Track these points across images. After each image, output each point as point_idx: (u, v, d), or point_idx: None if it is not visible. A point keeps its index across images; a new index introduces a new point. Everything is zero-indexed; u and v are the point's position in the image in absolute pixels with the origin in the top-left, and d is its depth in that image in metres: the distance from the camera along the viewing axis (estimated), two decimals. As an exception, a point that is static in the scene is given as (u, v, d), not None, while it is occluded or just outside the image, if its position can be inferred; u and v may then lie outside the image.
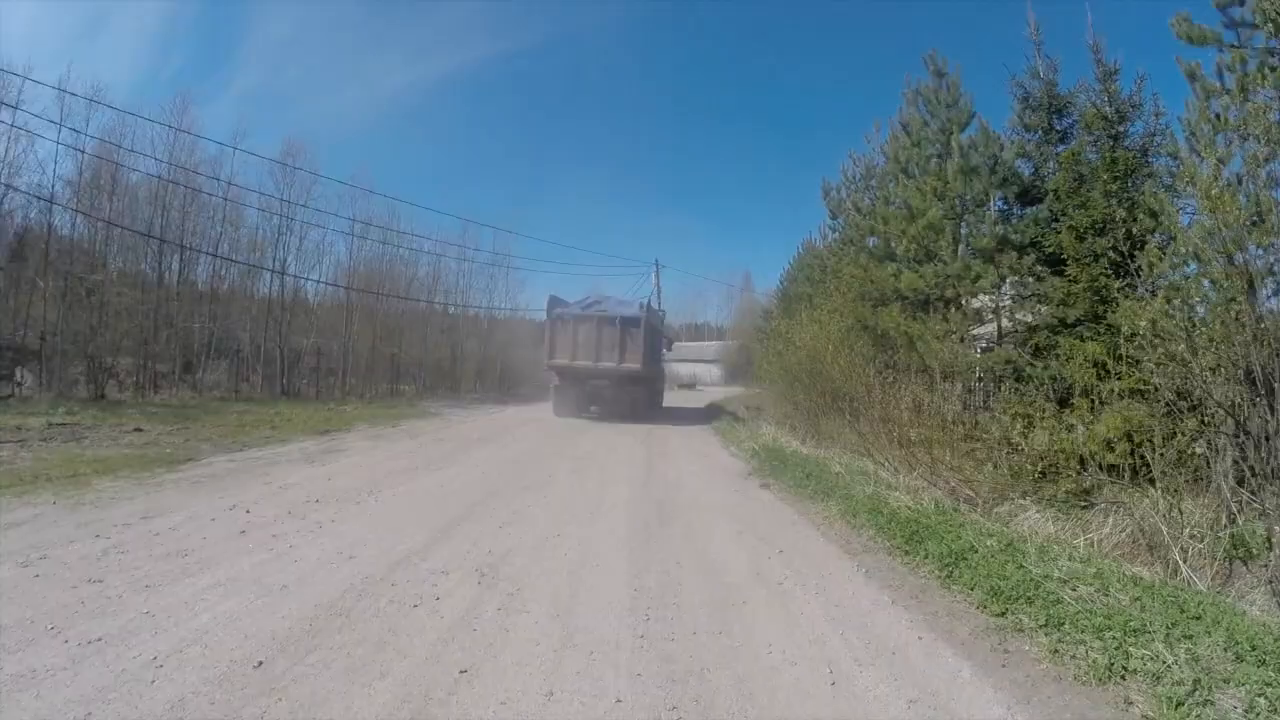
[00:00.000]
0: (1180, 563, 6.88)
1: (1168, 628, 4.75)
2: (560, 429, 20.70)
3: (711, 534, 8.09)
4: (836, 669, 4.46)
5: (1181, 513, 7.93)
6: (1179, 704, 3.96)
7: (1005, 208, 15.48)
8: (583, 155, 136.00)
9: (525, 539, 7.51)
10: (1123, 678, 4.29)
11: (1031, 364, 12.63)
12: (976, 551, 6.50)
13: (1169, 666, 4.29)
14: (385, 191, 49.84)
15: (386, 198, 34.88)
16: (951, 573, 6.20)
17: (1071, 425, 10.89)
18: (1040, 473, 10.05)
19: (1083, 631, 4.81)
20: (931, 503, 8.70)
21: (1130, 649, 4.51)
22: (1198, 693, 4.03)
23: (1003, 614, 5.31)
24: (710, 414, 27.74)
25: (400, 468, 11.77)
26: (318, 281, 32.18)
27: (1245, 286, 8.31)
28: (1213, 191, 8.45)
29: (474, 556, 6.72)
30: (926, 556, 6.70)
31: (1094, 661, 4.44)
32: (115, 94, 33.36)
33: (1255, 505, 7.81)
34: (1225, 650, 4.45)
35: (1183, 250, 10.01)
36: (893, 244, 16.39)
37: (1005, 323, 14.50)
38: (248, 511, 7.93)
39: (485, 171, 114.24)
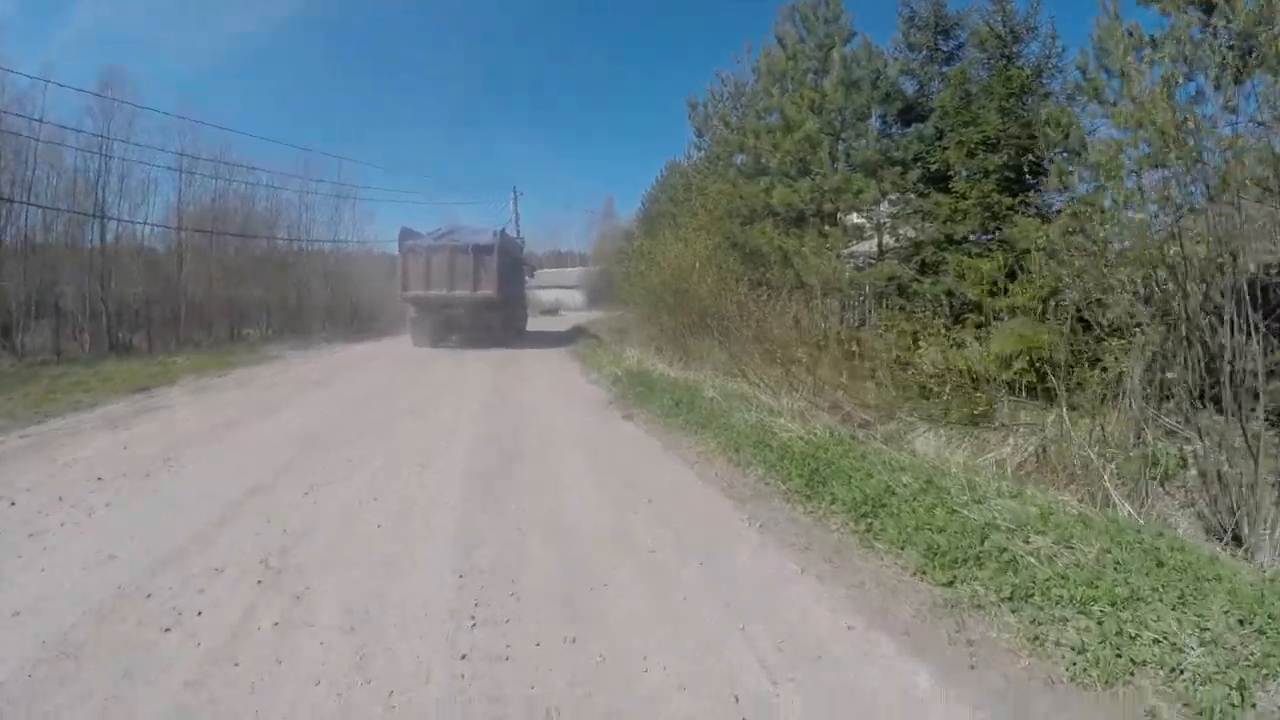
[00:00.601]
0: (1111, 490, 5.80)
1: (1157, 591, 3.55)
2: (414, 362, 18.77)
3: (566, 483, 6.51)
4: (743, 691, 3.02)
5: (1105, 433, 6.94)
6: (1214, 713, 2.78)
7: (884, 126, 14.54)
8: (439, 88, 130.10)
9: (334, 506, 5.84)
10: (1131, 674, 3.04)
11: (918, 280, 11.61)
12: (895, 494, 5.13)
13: (1182, 652, 3.09)
14: (217, 122, 44.30)
15: (219, 129, 30.89)
16: (871, 525, 4.79)
17: (962, 341, 9.91)
18: (931, 390, 9.11)
19: (1059, 604, 3.55)
20: (826, 431, 7.32)
21: (1128, 629, 3.28)
22: (1234, 693, 2.85)
23: (951, 584, 3.95)
24: (572, 338, 26.12)
25: (217, 423, 9.77)
26: (143, 224, 27.32)
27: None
28: (1157, 93, 7.43)
29: (263, 540, 5.03)
30: (834, 502, 5.29)
31: (1091, 653, 3.16)
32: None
33: (1161, 423, 7.06)
34: (1241, 624, 3.28)
35: (1102, 161, 9.10)
36: (764, 160, 15.12)
37: (887, 239, 13.42)
38: (13, 504, 6.03)
39: (333, 109, 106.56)
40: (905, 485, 5.26)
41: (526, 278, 31.12)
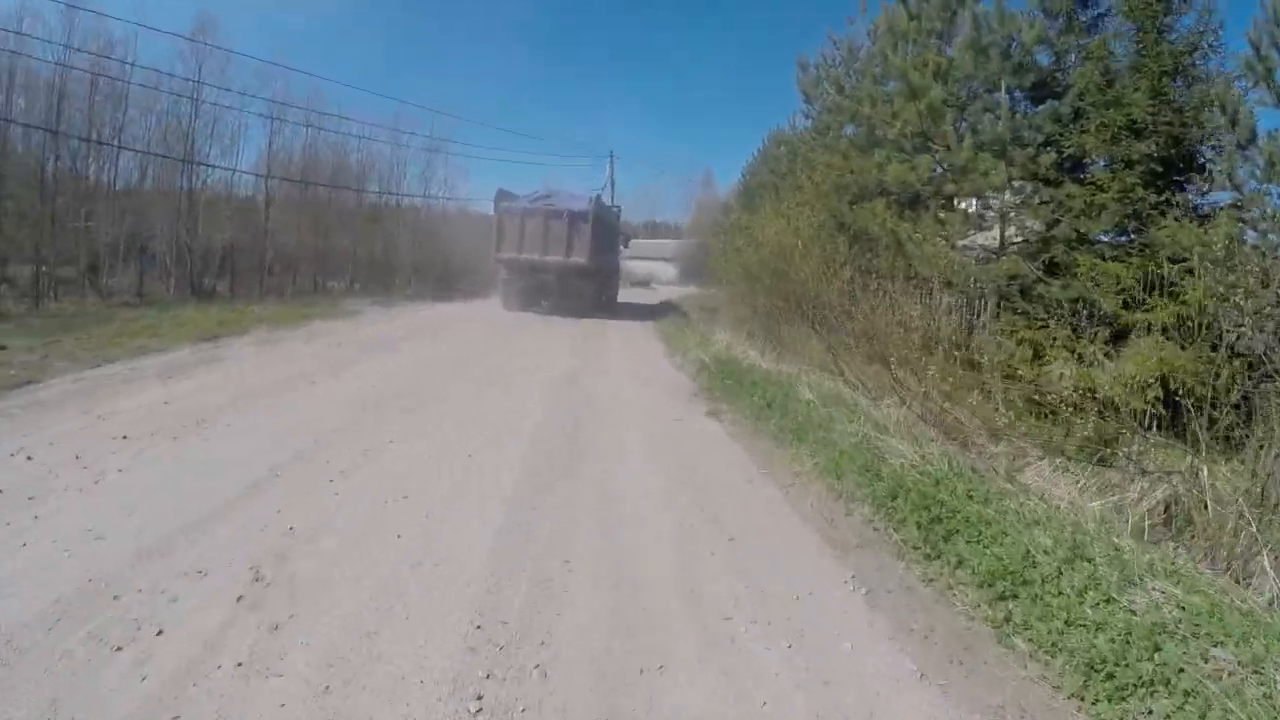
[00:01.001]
0: (1268, 568, 4.59)
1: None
2: (495, 327, 18.41)
3: (631, 500, 5.73)
4: None
5: (1264, 494, 5.79)
6: None
7: (1013, 102, 13.12)
8: (540, 46, 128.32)
9: (358, 501, 5.30)
10: None
11: (1044, 281, 10.36)
12: (1035, 564, 4.18)
13: None
14: (310, 70, 43.40)
15: (312, 76, 30.72)
16: (1010, 613, 3.90)
17: (1095, 359, 8.78)
18: (1053, 412, 7.89)
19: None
20: (943, 459, 6.33)
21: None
22: None
23: (1120, 721, 3.04)
24: (661, 313, 25.27)
25: (274, 380, 9.46)
26: (232, 170, 28.28)
27: None
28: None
29: (265, 537, 4.51)
30: (960, 566, 4.42)
31: None
32: None
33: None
34: None
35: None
36: (878, 131, 13.83)
37: (1010, 231, 12.15)
38: (29, 458, 5.74)
39: (428, 67, 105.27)
40: (1046, 552, 4.29)
41: (621, 247, 31.23)
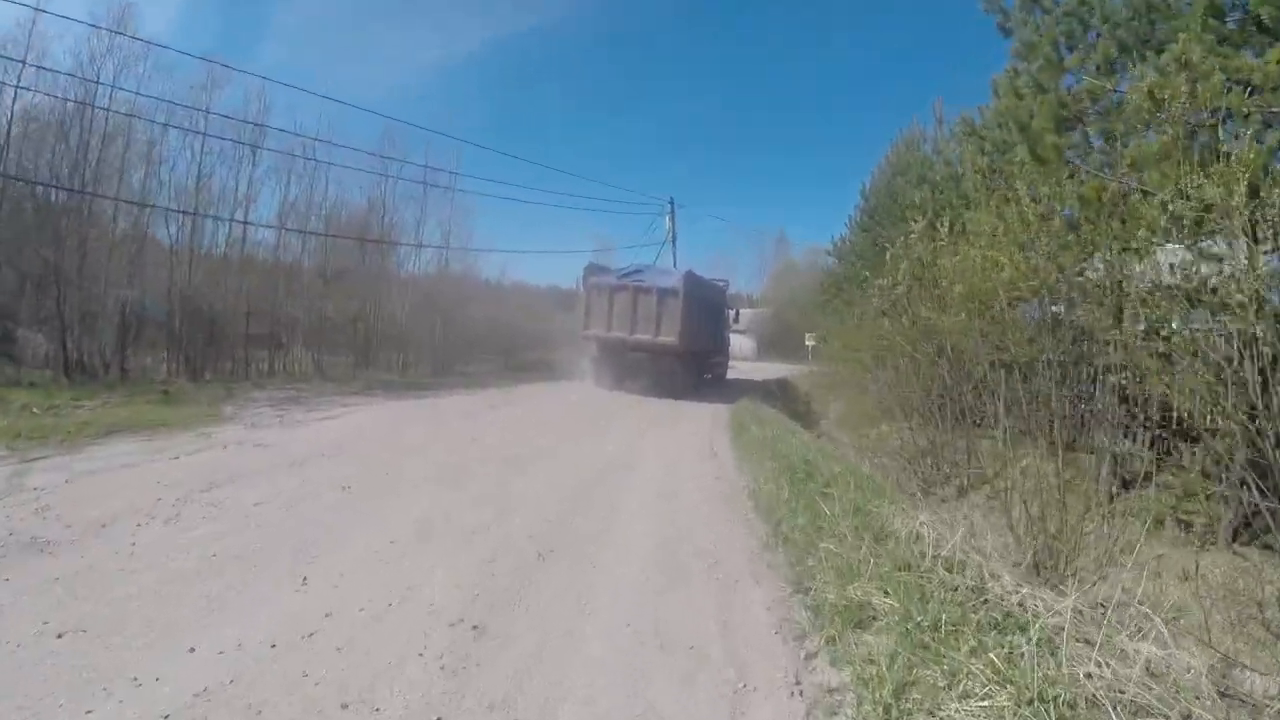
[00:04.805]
0: None
1: None
2: (411, 482, 8.64)
3: None
4: None
5: None
6: None
7: None
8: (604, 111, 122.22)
9: None
10: None
11: None
12: None
13: None
14: (252, 71, 34.06)
15: (265, 80, 22.83)
16: None
17: None
18: None
19: None
20: None
21: None
22: None
23: None
24: (751, 409, 17.53)
25: None
26: (120, 200, 20.11)
27: None
28: None
29: None
30: None
31: None
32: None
33: None
34: None
35: None
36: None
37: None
38: None
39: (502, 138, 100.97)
40: None
41: (733, 321, 31.46)
